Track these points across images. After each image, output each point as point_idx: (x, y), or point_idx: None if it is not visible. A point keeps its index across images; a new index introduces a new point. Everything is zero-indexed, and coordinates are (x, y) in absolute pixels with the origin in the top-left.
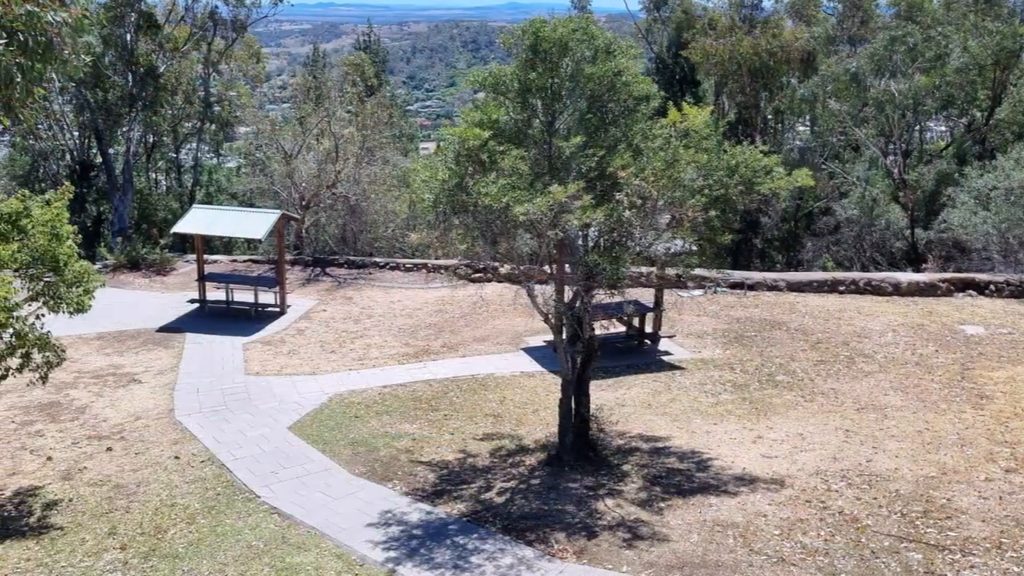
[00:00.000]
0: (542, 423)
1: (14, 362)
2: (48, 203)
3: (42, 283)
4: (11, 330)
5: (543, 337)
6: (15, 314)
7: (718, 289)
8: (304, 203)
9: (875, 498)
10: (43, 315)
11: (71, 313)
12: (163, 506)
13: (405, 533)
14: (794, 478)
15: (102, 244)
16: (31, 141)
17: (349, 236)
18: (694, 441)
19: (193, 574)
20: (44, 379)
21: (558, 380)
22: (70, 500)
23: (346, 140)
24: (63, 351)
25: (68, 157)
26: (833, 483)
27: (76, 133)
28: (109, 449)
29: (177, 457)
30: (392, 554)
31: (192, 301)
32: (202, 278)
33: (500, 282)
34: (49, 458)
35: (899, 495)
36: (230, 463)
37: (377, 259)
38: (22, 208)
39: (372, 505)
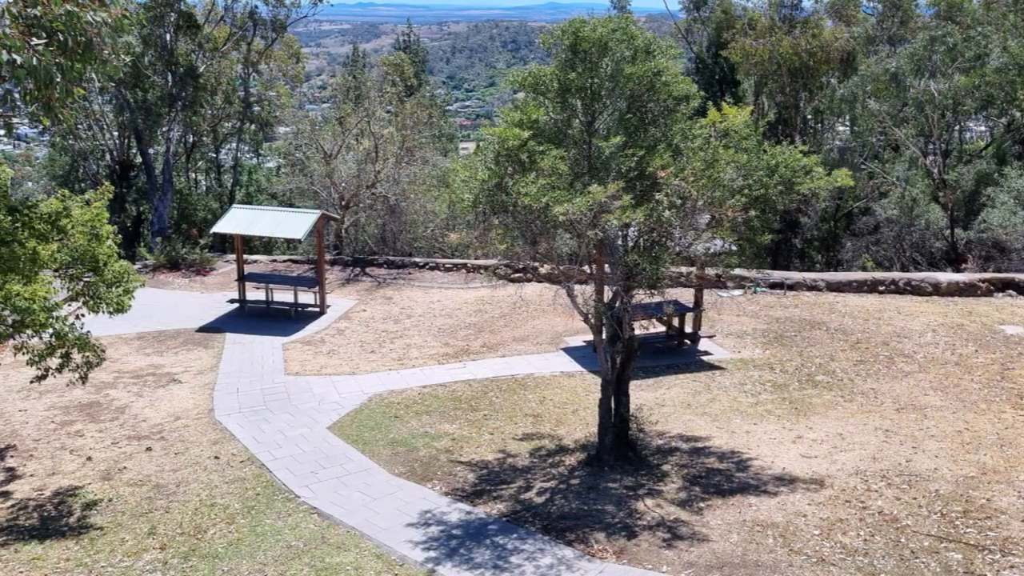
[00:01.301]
0: (582, 423)
1: (54, 362)
2: (88, 203)
3: (82, 283)
4: (51, 330)
5: (583, 337)
6: (55, 314)
7: (758, 289)
8: (343, 203)
9: (915, 498)
10: (83, 315)
11: (111, 313)
12: (203, 506)
13: (444, 533)
14: (834, 478)
15: (142, 244)
16: (71, 141)
17: (388, 236)
18: (734, 441)
19: (232, 574)
20: (84, 379)
21: (598, 380)
22: (110, 500)
23: (386, 140)
24: (103, 351)
25: (108, 157)
26: (873, 483)
27: (116, 133)
28: (149, 449)
29: (217, 457)
30: (432, 554)
31: (232, 301)
32: (242, 278)
33: (540, 282)
34: (89, 458)
35: (939, 495)
36: (270, 463)
37: (416, 259)
38: (62, 208)
39: (411, 505)
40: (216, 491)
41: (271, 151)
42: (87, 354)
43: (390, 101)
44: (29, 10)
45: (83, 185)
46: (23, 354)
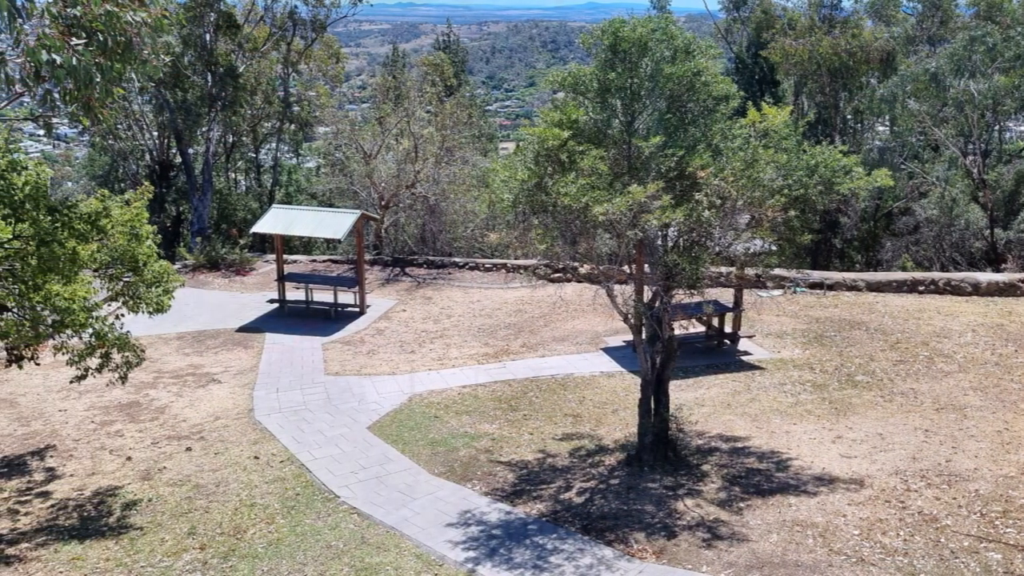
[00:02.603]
0: (621, 423)
1: (94, 362)
2: (127, 203)
3: (121, 283)
4: (90, 330)
5: (622, 337)
6: (94, 314)
7: (797, 289)
8: (383, 203)
9: (954, 498)
10: (122, 315)
11: (150, 313)
12: (242, 506)
13: (484, 533)
14: (873, 478)
15: (181, 244)
16: (110, 141)
17: (428, 236)
18: (773, 441)
19: (272, 574)
20: (123, 379)
21: (637, 380)
22: (149, 500)
23: (425, 140)
24: (142, 351)
25: (147, 157)
26: (912, 483)
27: (155, 133)
28: (188, 449)
29: (256, 457)
30: (471, 554)
31: (271, 301)
32: (281, 278)
33: (579, 282)
34: (128, 458)
35: (978, 495)
36: (309, 463)
37: (456, 259)
38: (101, 208)
39: (451, 505)
40: (256, 491)
41: (311, 151)
42: (127, 354)
43: (430, 101)
44: (69, 10)
45: (123, 185)
46: (63, 354)
